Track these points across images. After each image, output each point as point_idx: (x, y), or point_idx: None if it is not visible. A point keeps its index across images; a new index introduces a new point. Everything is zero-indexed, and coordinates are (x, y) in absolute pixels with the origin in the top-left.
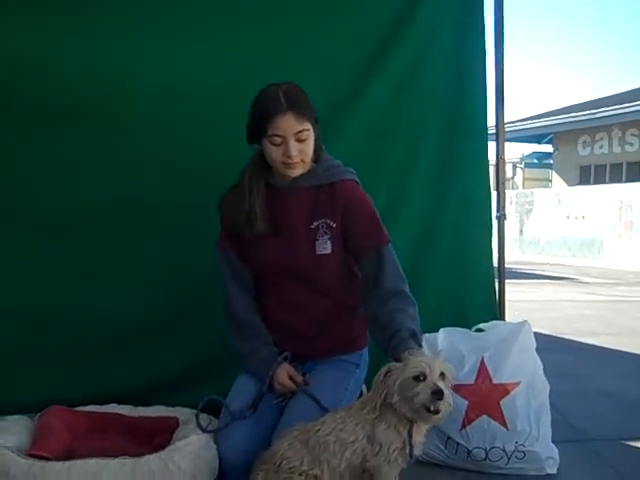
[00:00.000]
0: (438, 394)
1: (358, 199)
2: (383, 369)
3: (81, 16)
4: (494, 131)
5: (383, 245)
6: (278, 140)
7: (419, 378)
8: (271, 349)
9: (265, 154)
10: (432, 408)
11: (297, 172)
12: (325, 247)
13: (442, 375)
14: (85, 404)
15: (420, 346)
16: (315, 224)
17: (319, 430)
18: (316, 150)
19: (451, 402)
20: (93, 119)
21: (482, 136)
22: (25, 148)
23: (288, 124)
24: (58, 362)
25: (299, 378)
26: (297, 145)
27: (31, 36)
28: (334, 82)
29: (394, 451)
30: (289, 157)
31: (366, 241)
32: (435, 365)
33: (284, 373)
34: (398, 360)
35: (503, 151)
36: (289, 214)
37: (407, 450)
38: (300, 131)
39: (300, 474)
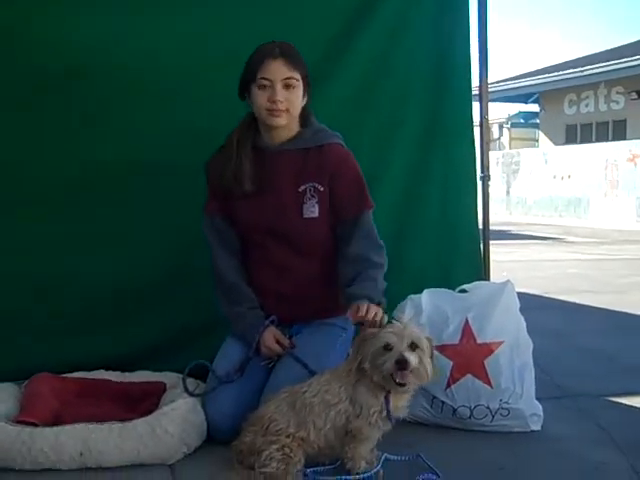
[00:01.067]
0: (401, 364)
1: (345, 163)
2: (360, 336)
3: None
4: (478, 92)
5: (365, 210)
6: (266, 83)
7: (388, 347)
8: (257, 313)
9: (252, 104)
10: (397, 380)
11: (281, 121)
12: (313, 210)
13: (413, 345)
14: (72, 372)
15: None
16: (303, 187)
17: (305, 392)
18: (305, 115)
19: (427, 371)
20: (93, 82)
21: (466, 97)
22: (23, 115)
23: (277, 69)
24: (43, 331)
25: (286, 341)
26: (284, 92)
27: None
28: (315, 46)
29: (374, 414)
30: (274, 102)
31: (350, 205)
32: (404, 335)
33: (271, 336)
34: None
35: (487, 111)
36: (276, 176)
37: (384, 414)
38: (289, 77)
39: (287, 436)
